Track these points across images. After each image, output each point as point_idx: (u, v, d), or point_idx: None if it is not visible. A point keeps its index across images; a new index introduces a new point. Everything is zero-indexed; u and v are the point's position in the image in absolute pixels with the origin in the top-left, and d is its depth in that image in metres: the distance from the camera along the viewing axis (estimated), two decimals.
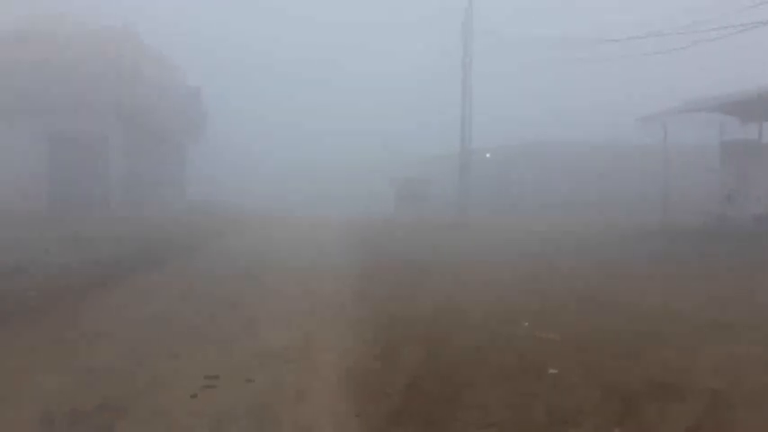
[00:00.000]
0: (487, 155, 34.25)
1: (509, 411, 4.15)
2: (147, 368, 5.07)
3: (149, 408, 4.22)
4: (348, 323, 6.79)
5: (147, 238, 15.83)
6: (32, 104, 23.52)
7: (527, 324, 6.60)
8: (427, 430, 3.93)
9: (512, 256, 13.32)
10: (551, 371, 4.99)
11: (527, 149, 32.59)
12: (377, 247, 15.12)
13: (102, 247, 13.43)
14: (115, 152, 24.72)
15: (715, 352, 5.53)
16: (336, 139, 48.39)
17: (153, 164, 28.29)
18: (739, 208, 17.80)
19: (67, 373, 4.92)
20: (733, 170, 18.38)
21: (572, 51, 28.47)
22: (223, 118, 38.39)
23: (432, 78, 37.20)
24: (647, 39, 19.33)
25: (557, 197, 30.06)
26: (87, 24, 24.58)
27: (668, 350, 5.61)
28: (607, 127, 34.73)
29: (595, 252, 13.85)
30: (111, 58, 24.04)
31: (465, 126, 26.79)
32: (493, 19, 26.30)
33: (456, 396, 4.46)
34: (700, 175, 24.18)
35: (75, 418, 4.01)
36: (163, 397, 4.43)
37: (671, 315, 7.21)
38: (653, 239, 16.18)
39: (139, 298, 8.28)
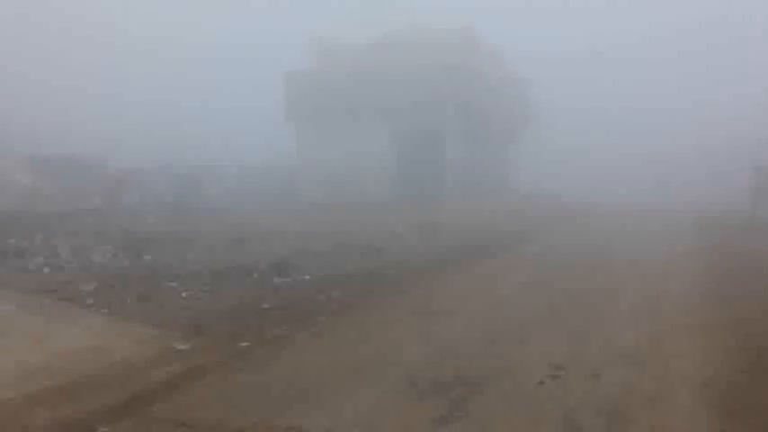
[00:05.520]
0: None
1: None
2: (494, 349, 5.33)
3: (499, 387, 4.43)
4: (704, 327, 6.13)
5: (484, 225, 16.62)
6: (386, 106, 26.69)
7: None
8: None
9: None
10: None
11: None
12: (728, 247, 13.34)
13: (444, 233, 14.55)
14: (452, 146, 26.65)
15: None
16: (679, 122, 43.57)
17: (486, 156, 29.66)
18: None
19: (426, 345, 5.46)
20: None
21: None
22: (554, 108, 38.02)
23: None
24: None
25: None
26: (436, 29, 26.87)
27: None
28: None
29: None
30: (452, 59, 25.90)
31: None
32: None
33: None
34: None
35: (435, 387, 4.44)
36: (511, 379, 4.61)
37: None
38: None
39: (483, 282, 8.74)
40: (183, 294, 7.36)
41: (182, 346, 5.31)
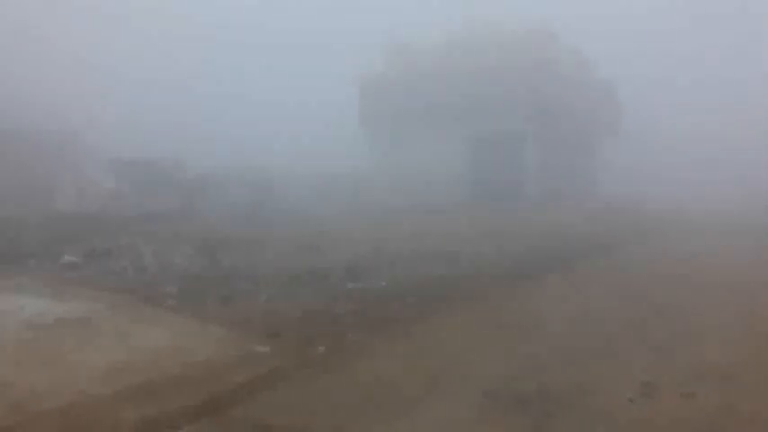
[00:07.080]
0: None
1: None
2: (578, 363, 5.11)
3: (586, 404, 4.23)
4: None
5: (565, 232, 16.04)
6: (461, 107, 26.43)
7: None
8: None
9: None
10: None
11: None
12: None
13: (523, 239, 14.15)
14: (531, 149, 26.05)
15: None
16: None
17: (567, 159, 28.75)
18: None
19: (506, 356, 5.30)
20: None
21: None
22: (643, 108, 36.47)
23: None
24: None
25: None
26: (512, 28, 26.39)
27: None
28: None
29: None
30: (532, 59, 25.34)
31: None
32: None
33: None
34: None
35: (517, 401, 4.28)
36: (598, 395, 4.39)
37: None
38: None
39: (564, 292, 8.42)
40: (262, 298, 7.45)
41: (261, 349, 5.36)
